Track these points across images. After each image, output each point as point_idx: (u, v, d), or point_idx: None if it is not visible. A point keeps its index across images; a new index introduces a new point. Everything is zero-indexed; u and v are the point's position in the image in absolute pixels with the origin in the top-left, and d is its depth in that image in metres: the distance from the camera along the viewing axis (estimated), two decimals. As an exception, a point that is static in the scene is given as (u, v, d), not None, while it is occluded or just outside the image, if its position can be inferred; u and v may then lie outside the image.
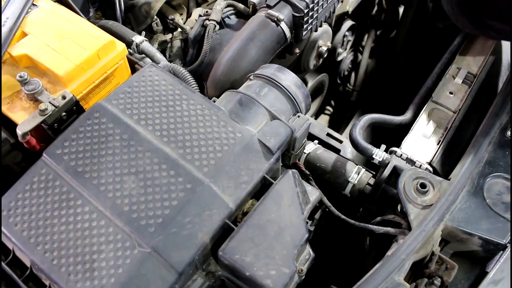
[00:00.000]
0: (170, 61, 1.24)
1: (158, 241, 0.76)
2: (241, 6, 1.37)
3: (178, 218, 0.78)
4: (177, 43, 1.36)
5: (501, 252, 0.85)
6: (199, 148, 0.85)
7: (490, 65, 1.16)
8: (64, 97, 0.90)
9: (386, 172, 1.03)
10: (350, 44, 2.01)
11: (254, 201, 0.87)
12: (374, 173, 1.12)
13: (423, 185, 0.94)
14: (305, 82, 1.80)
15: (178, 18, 1.38)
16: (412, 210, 0.92)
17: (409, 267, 0.83)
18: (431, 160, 1.04)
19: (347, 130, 2.11)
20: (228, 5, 1.36)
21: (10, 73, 0.96)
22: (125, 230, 0.77)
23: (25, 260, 0.80)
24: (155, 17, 1.39)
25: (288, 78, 1.02)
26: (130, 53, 1.15)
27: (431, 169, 1.02)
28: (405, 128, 1.14)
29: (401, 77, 2.25)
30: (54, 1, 1.11)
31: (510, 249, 0.84)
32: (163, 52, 1.36)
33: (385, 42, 2.32)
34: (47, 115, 0.88)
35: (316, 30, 1.40)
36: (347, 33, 1.90)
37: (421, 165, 1.01)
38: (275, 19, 1.20)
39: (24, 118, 0.88)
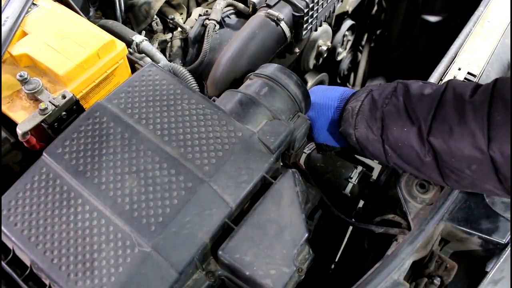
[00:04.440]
0: (170, 61, 1.24)
1: (158, 240, 0.76)
2: (241, 5, 1.37)
3: (178, 218, 0.78)
4: (177, 43, 1.36)
5: (501, 251, 0.85)
6: (199, 147, 0.85)
7: (490, 65, 1.16)
8: (64, 97, 0.90)
9: (386, 171, 1.03)
10: (350, 43, 2.01)
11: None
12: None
13: (422, 185, 0.94)
14: (305, 81, 1.80)
15: (178, 18, 1.38)
16: (411, 210, 0.92)
17: (408, 267, 0.83)
18: (431, 160, 1.04)
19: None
20: (228, 5, 1.36)
21: (10, 72, 0.96)
22: (125, 229, 0.77)
23: (25, 260, 0.80)
24: (155, 16, 1.39)
25: (288, 78, 1.01)
26: (130, 53, 1.15)
27: (431, 168, 1.02)
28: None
29: (396, 74, 2.26)
30: (54, 1, 1.11)
31: (510, 249, 0.84)
32: (163, 51, 1.36)
33: (380, 39, 2.32)
34: (47, 115, 0.88)
35: (316, 30, 1.40)
36: (347, 33, 1.90)
37: (421, 165, 1.01)
38: (275, 19, 1.20)
39: (24, 118, 0.88)
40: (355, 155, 1.23)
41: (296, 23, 1.25)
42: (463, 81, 1.00)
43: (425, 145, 0.78)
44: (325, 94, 1.02)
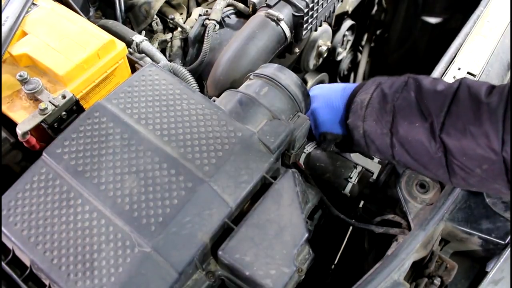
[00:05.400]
0: (170, 61, 1.24)
1: (158, 240, 0.76)
2: (241, 5, 1.37)
3: (178, 218, 0.78)
4: (177, 43, 1.36)
5: (501, 251, 0.85)
6: (199, 147, 0.85)
7: (490, 65, 1.16)
8: (64, 97, 0.90)
9: (386, 171, 1.03)
10: (350, 43, 2.01)
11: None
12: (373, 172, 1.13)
13: (422, 185, 0.94)
14: (305, 81, 1.80)
15: (178, 18, 1.38)
16: (412, 210, 0.92)
17: (409, 267, 0.83)
18: (431, 160, 1.04)
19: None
20: (228, 5, 1.36)
21: (10, 72, 0.96)
22: (125, 229, 0.77)
23: (25, 260, 0.80)
24: (155, 16, 1.39)
25: (288, 78, 1.01)
26: (130, 53, 1.15)
27: (431, 168, 1.02)
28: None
29: (396, 75, 2.26)
30: (54, 0, 1.11)
31: (510, 249, 0.84)
32: (163, 51, 1.36)
33: (380, 40, 2.33)
34: (47, 115, 0.88)
35: (316, 30, 1.40)
36: (347, 33, 1.90)
37: (421, 165, 1.01)
38: (275, 19, 1.20)
39: (24, 118, 0.88)
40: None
41: (296, 23, 1.25)
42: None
43: (436, 142, 0.78)
44: (330, 87, 1.03)
